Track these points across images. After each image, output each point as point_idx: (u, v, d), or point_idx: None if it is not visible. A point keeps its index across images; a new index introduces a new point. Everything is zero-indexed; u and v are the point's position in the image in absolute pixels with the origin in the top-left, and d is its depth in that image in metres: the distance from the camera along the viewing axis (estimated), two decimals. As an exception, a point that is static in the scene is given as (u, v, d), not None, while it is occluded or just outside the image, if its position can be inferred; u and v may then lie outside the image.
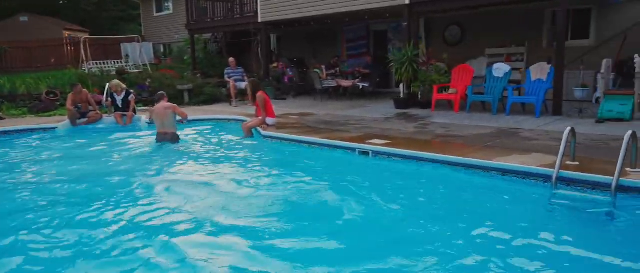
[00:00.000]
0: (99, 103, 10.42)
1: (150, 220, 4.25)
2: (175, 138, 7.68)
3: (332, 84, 12.39)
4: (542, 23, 10.96)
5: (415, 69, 9.94)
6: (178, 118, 7.81)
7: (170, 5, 21.60)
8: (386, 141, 6.38)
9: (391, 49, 13.64)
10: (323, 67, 13.04)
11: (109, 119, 9.69)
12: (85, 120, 9.44)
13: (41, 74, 15.41)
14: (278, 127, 8.01)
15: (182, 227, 4.04)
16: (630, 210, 4.04)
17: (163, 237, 3.78)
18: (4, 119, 10.36)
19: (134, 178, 5.71)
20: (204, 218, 4.23)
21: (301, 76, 14.35)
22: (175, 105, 8.14)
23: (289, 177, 5.57)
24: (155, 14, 22.51)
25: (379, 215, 4.26)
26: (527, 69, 9.00)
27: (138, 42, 18.36)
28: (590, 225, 3.94)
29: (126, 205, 4.66)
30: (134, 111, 9.74)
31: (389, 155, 5.89)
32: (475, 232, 3.74)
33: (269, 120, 7.95)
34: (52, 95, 11.80)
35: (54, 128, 9.14)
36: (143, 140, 8.24)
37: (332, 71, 13.19)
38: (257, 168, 6.17)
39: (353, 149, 6.27)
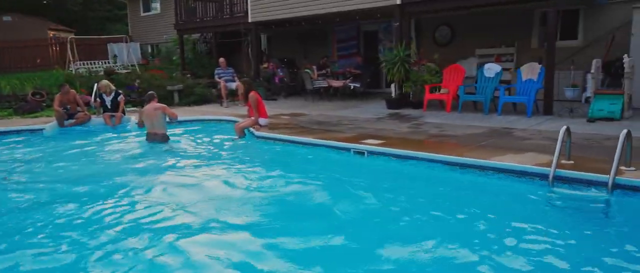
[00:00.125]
0: (87, 104, 10.25)
1: (141, 221, 4.19)
2: (165, 139, 7.59)
3: (323, 84, 12.36)
4: (532, 24, 11.07)
5: (407, 69, 9.96)
6: (167, 119, 7.72)
7: (158, 5, 21.38)
8: (381, 141, 6.37)
9: (381, 49, 13.67)
10: (314, 67, 13.00)
11: (97, 120, 9.53)
12: (73, 121, 9.28)
13: (27, 74, 15.14)
14: (270, 127, 7.95)
15: (174, 228, 3.98)
16: (626, 207, 4.08)
17: (154, 237, 3.75)
18: (-11, 120, 10.15)
19: (125, 179, 5.62)
20: (197, 219, 4.18)
21: (292, 76, 14.30)
22: (165, 105, 8.04)
23: (283, 177, 5.53)
24: (143, 14, 22.26)
25: (376, 215, 4.24)
26: (518, 69, 9.06)
27: (125, 42, 18.13)
28: (587, 223, 3.96)
29: (117, 206, 4.58)
30: (123, 112, 9.60)
31: (386, 155, 5.87)
32: (473, 231, 3.74)
33: (262, 121, 7.89)
34: (38, 96, 11.58)
35: (41, 129, 8.95)
36: (133, 141, 8.12)
37: (323, 71, 13.16)
38: (251, 168, 6.10)
39: (348, 149, 6.24)
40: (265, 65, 14.43)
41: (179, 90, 12.61)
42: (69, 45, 16.12)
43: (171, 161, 6.54)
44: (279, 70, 14.03)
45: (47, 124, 9.17)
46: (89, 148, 7.68)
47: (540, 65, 8.59)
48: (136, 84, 12.83)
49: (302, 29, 15.11)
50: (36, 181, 5.71)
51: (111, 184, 5.43)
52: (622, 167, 4.37)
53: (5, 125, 9.26)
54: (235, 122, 8.46)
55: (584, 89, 9.60)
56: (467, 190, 4.84)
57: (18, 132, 8.81)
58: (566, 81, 9.92)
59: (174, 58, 18.04)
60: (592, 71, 7.95)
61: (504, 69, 9.67)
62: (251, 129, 7.81)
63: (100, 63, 16.50)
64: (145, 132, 7.68)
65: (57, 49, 19.32)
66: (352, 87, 12.54)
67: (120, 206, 4.60)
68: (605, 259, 3.23)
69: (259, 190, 5.15)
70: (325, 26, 14.82)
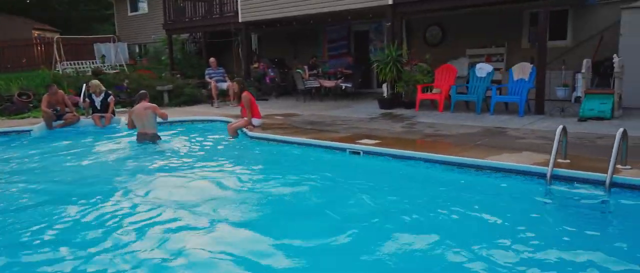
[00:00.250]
0: (75, 104, 10.07)
1: (133, 221, 4.14)
2: (155, 138, 7.51)
3: (315, 84, 12.33)
4: (521, 24, 11.17)
5: (400, 69, 9.97)
6: (158, 119, 7.63)
7: (146, 5, 21.14)
8: (376, 141, 6.36)
9: (372, 49, 13.69)
10: (306, 67, 12.96)
11: (86, 121, 9.38)
12: (61, 122, 9.12)
13: (12, 74, 14.84)
14: (264, 128, 7.90)
15: (166, 228, 3.95)
16: (624, 206, 4.11)
17: (146, 237, 3.74)
18: (-26, 121, 9.92)
19: (116, 180, 5.55)
20: (190, 220, 4.13)
21: (282, 76, 14.24)
22: (156, 105, 7.96)
23: (278, 178, 5.48)
24: (130, 14, 21.98)
25: (374, 216, 4.21)
26: (510, 69, 9.13)
27: (113, 42, 17.89)
28: (585, 221, 3.98)
29: (108, 207, 4.52)
30: (113, 113, 9.46)
31: (383, 155, 5.85)
32: (471, 230, 3.76)
33: (255, 121, 7.83)
34: (24, 97, 11.34)
35: (28, 131, 8.77)
36: (123, 141, 8.00)
37: (314, 71, 13.13)
38: (244, 169, 6.04)
39: (344, 149, 6.22)
40: (256, 65, 14.36)
41: (168, 91, 12.47)
42: (55, 45, 15.85)
43: (162, 162, 6.46)
44: (270, 70, 13.97)
45: (35, 125, 8.99)
46: (79, 149, 7.54)
47: (532, 65, 8.66)
48: (125, 84, 12.66)
49: (293, 29, 15.06)
50: (24, 183, 5.58)
51: (102, 185, 5.34)
52: (619, 166, 4.41)
53: (-9, 127, 9.07)
54: (227, 122, 8.39)
55: (574, 89, 9.71)
56: (465, 189, 4.83)
57: (4, 134, 8.63)
58: (557, 81, 10.02)
59: (163, 58, 17.86)
60: (583, 71, 8.03)
61: (495, 69, 9.74)
62: (244, 130, 7.75)
63: (87, 63, 16.25)
64: (136, 132, 7.58)
65: (43, 48, 18.99)
66: (343, 87, 12.53)
67: (111, 207, 4.53)
68: (604, 257, 3.23)
69: (254, 191, 5.10)
70: (317, 26, 14.79)
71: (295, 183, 5.27)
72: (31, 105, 11.18)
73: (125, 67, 16.14)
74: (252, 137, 7.46)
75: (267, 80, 13.83)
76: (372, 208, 4.42)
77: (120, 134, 8.59)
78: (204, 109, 11.51)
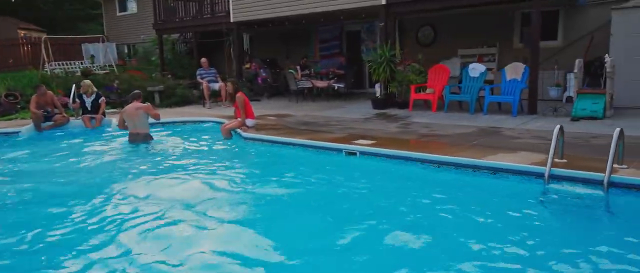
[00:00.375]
0: (65, 105, 9.91)
1: (125, 222, 4.08)
2: (147, 139, 7.42)
3: (307, 84, 12.28)
4: (513, 25, 11.23)
5: (393, 69, 9.97)
6: (151, 120, 7.53)
7: (135, 5, 20.91)
8: (372, 141, 6.33)
9: (364, 49, 13.69)
10: (298, 67, 12.91)
11: (76, 123, 9.22)
12: (50, 123, 8.95)
13: (-2, 75, 14.56)
14: (257, 128, 7.83)
15: (159, 228, 3.92)
16: (622, 205, 4.13)
17: (139, 238, 3.72)
18: (-40, 123, 9.70)
19: (108, 181, 5.44)
20: (184, 220, 4.08)
21: (274, 77, 14.17)
22: (149, 105, 7.86)
23: (273, 178, 5.43)
24: (119, 14, 21.75)
25: (373, 216, 4.18)
26: (502, 69, 9.17)
27: (102, 42, 17.66)
28: (584, 220, 4.01)
29: (100, 209, 4.45)
30: (104, 114, 9.33)
31: (379, 155, 5.82)
32: (470, 229, 3.75)
33: (249, 122, 7.76)
34: (11, 98, 11.13)
35: (17, 132, 8.60)
36: (115, 142, 7.90)
37: (307, 72, 13.09)
38: (239, 170, 5.98)
39: (340, 150, 6.18)
40: (248, 65, 14.28)
41: (159, 91, 12.34)
42: (43, 45, 15.59)
43: (155, 163, 6.38)
44: (262, 70, 13.89)
45: (23, 126, 8.82)
46: (69, 151, 7.41)
47: (525, 65, 8.70)
48: (115, 85, 12.50)
49: (285, 29, 15.00)
50: (11, 185, 5.46)
51: (92, 187, 5.23)
52: (616, 165, 4.43)
53: (-23, 129, 8.87)
54: (220, 123, 8.31)
55: (565, 89, 9.79)
56: (462, 189, 4.83)
57: (-8, 135, 8.46)
58: (549, 81, 10.09)
59: (153, 58, 17.68)
60: (575, 71, 8.09)
61: (487, 69, 9.77)
62: (238, 131, 7.68)
63: (76, 63, 16.02)
64: (128, 132, 7.47)
65: (29, 48, 18.69)
66: (335, 88, 12.50)
67: (102, 209, 4.45)
68: (603, 256, 3.25)
69: (248, 192, 5.04)
70: (309, 26, 14.75)
71: (290, 184, 5.23)
72: (19, 106, 10.99)
73: (114, 68, 15.94)
74: (246, 138, 7.39)
75: (259, 81, 13.74)
76: (369, 208, 4.39)
77: (111, 135, 8.47)
78: (196, 109, 11.40)
